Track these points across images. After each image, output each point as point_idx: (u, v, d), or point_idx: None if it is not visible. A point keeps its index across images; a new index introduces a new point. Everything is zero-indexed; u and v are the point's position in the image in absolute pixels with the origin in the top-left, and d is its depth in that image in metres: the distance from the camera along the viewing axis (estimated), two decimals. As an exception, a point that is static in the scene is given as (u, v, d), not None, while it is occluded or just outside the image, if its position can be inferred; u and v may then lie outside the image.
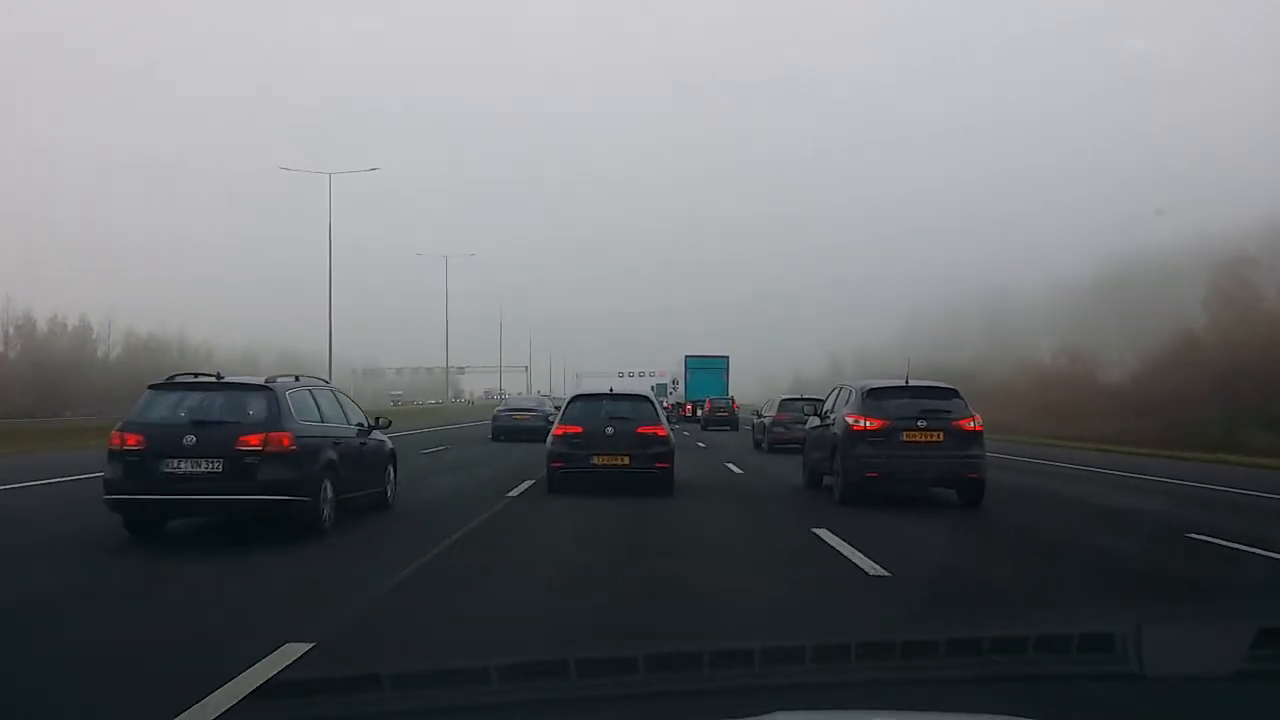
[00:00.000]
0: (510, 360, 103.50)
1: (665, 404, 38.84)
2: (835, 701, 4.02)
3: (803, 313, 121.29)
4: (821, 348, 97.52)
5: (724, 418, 45.84)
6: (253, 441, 9.61)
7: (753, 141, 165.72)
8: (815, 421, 15.78)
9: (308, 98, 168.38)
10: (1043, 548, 10.53)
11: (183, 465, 9.50)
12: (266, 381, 10.43)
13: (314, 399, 11.02)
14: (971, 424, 13.29)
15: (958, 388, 14.38)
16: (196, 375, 10.79)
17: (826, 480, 14.71)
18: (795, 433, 26.81)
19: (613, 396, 15.84)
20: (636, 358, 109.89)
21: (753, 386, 60.27)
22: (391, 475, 12.80)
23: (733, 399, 50.51)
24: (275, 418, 9.84)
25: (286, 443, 9.74)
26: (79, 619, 6.76)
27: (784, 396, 29.95)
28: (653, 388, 57.71)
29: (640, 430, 14.73)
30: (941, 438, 13.07)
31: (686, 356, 58.55)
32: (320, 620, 6.44)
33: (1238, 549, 10.36)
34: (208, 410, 10.07)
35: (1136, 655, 4.13)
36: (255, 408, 10.01)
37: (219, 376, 10.58)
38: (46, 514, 12.45)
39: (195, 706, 4.47)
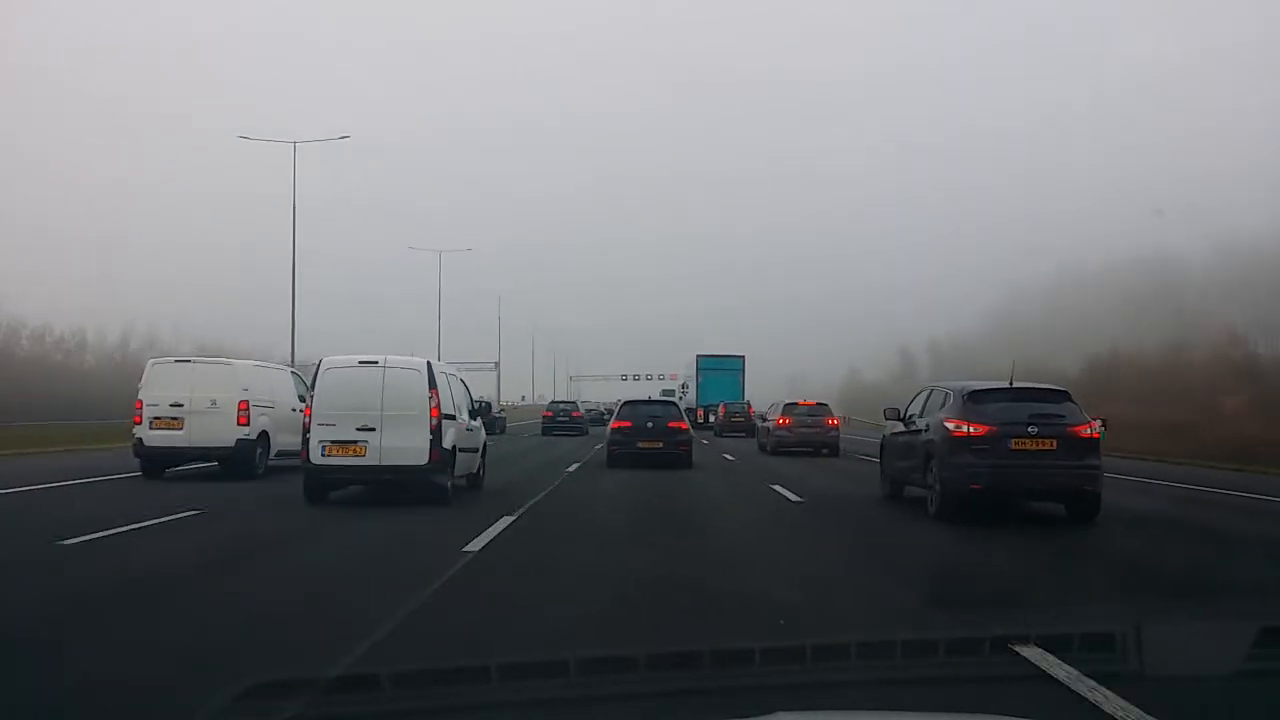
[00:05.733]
0: (483, 356, 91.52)
1: None
2: (835, 701, 4.03)
3: (848, 309, 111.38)
4: (876, 344, 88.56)
5: (739, 424, 41.86)
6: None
7: (774, 136, 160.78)
8: (897, 427, 14.62)
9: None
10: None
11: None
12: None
13: None
14: (1088, 431, 12.15)
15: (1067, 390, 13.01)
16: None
17: (911, 492, 13.82)
18: (800, 436, 27.42)
19: (649, 402, 24.69)
20: (642, 360, 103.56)
21: (778, 390, 54.95)
22: None
23: (748, 403, 45.75)
24: None
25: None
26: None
27: (786, 401, 30.02)
28: (660, 393, 55.41)
29: (670, 425, 21.69)
30: (1054, 445, 11.92)
31: (698, 356, 53.14)
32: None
33: None
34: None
35: (1136, 655, 4.14)
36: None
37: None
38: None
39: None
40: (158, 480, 16.65)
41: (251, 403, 17.45)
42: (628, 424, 21.87)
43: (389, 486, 13.20)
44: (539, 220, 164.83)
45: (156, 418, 17.14)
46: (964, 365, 57.04)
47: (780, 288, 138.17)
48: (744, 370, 51.75)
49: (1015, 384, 12.98)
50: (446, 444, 13.15)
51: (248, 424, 17.29)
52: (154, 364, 18.23)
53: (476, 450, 15.32)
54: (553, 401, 53.10)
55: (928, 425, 12.90)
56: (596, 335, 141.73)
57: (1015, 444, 11.82)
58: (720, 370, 51.22)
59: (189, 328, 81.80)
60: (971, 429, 11.96)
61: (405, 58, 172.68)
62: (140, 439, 17.23)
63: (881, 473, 15.41)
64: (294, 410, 17.80)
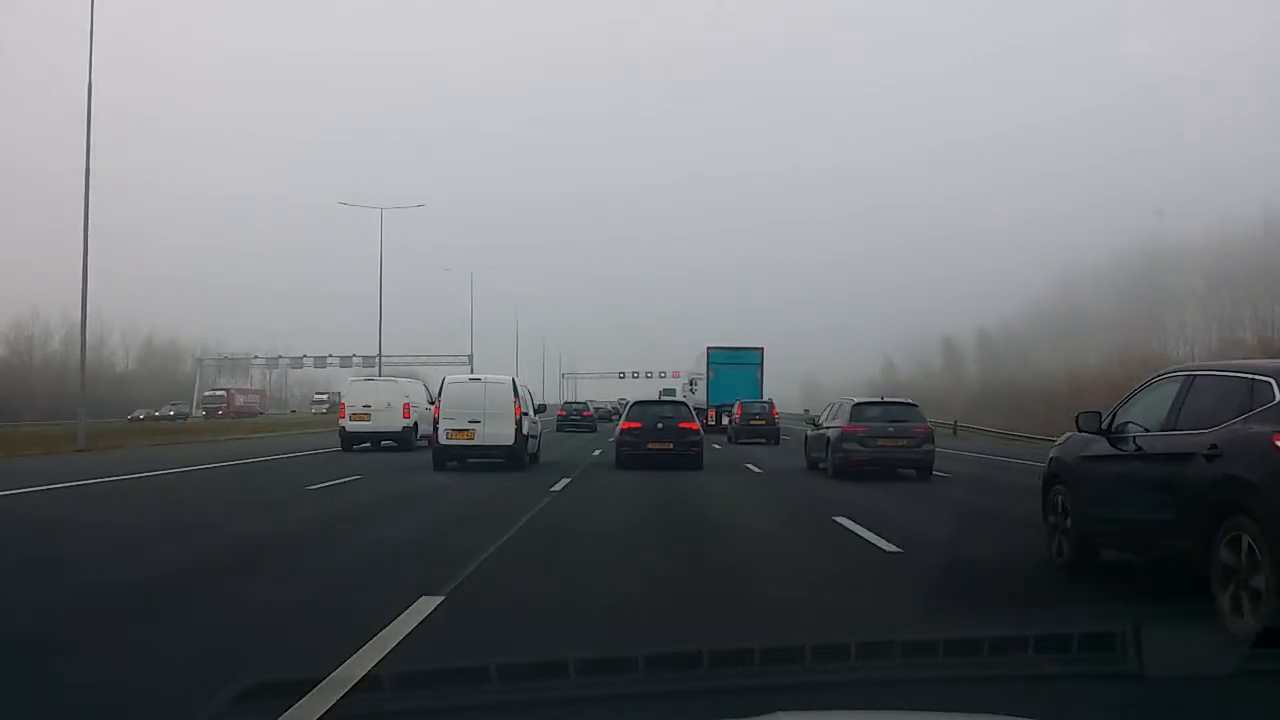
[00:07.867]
0: (463, 350, 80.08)
1: None
2: (835, 701, 4.02)
3: (869, 301, 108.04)
4: (911, 336, 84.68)
5: (760, 427, 35.84)
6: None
7: (778, 133, 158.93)
8: (1093, 444, 8.25)
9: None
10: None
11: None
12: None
13: None
14: None
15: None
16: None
17: (1109, 555, 8.23)
18: (877, 452, 18.96)
19: (659, 402, 24.95)
20: (640, 357, 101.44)
21: (793, 389, 48.35)
22: None
23: (770, 402, 39.30)
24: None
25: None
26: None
27: (857, 400, 20.85)
28: (660, 392, 53.39)
29: (680, 425, 21.64)
30: None
31: (709, 349, 46.09)
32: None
33: None
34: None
35: (1136, 655, 4.13)
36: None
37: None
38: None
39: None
40: (351, 453, 26.52)
41: (410, 404, 28.02)
42: (637, 425, 21.52)
43: (487, 459, 20.44)
44: (529, 214, 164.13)
45: (354, 414, 27.90)
46: (1019, 357, 54.46)
47: (788, 280, 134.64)
48: (763, 364, 45.16)
49: None
50: (524, 431, 20.54)
51: (409, 417, 27.78)
52: (351, 381, 30.97)
53: (537, 437, 23.03)
54: (566, 402, 61.93)
55: (1215, 444, 6.49)
56: (591, 331, 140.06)
57: None
58: (735, 364, 44.62)
59: (129, 317, 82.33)
60: None
61: (405, 56, 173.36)
62: (343, 426, 28.18)
63: (1051, 524, 8.83)
64: (425, 409, 26.36)
